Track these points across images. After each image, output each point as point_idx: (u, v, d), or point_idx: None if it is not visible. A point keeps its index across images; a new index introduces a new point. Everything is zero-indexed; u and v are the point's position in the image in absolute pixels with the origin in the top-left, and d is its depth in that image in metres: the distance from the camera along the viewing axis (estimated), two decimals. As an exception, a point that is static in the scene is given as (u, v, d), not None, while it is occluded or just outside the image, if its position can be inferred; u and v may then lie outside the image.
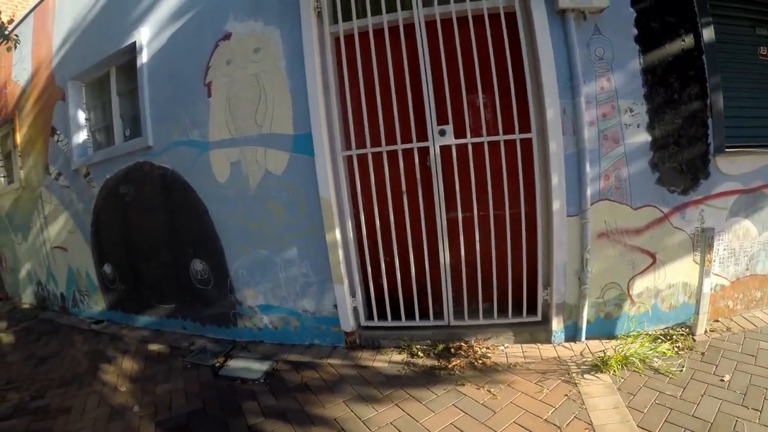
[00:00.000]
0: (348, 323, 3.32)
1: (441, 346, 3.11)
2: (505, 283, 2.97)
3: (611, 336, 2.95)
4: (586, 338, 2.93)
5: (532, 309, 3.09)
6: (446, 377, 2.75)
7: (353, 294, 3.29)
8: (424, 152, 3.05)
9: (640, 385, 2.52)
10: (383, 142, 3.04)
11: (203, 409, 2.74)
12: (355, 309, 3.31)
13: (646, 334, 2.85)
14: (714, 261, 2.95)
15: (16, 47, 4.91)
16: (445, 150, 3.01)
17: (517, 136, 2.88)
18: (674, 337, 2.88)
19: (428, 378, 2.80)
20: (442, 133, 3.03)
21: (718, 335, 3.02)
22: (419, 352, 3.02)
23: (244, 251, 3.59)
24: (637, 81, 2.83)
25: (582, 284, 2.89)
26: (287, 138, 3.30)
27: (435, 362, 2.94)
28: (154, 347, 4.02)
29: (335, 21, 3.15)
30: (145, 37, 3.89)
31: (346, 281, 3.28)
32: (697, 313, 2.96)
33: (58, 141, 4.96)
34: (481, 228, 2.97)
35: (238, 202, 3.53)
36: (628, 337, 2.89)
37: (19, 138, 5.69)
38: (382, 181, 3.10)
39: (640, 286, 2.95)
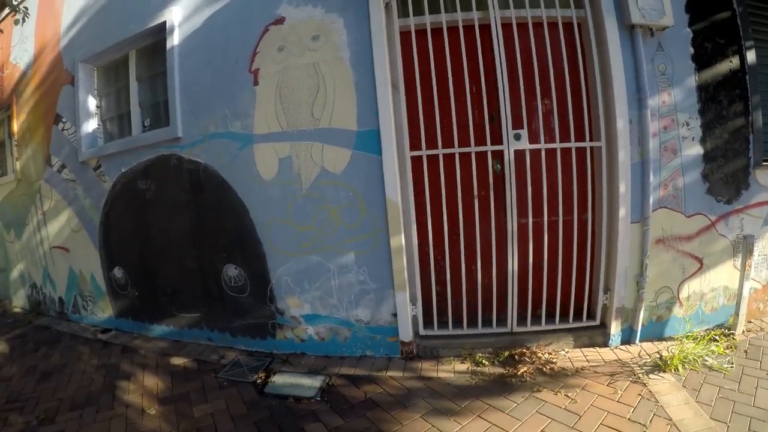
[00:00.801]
0: (407, 332, 2.71)
1: (506, 353, 2.61)
2: (568, 289, 2.63)
3: (661, 338, 2.72)
4: (640, 341, 2.66)
5: (591, 314, 2.71)
6: (518, 384, 2.39)
7: (413, 302, 2.73)
8: (495, 156, 2.56)
9: (701, 382, 2.38)
10: (456, 143, 2.53)
11: (259, 435, 2.19)
12: (414, 317, 2.74)
13: (693, 336, 2.63)
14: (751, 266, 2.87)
15: (24, 21, 3.80)
16: (518, 154, 2.57)
17: (587, 144, 2.54)
18: (717, 337, 2.70)
19: (501, 386, 2.40)
20: (517, 137, 2.55)
21: (754, 334, 2.90)
22: (483, 360, 2.55)
23: (291, 257, 2.84)
24: (693, 97, 2.63)
25: (640, 288, 2.61)
26: (349, 134, 2.64)
27: (502, 370, 2.50)
28: (177, 361, 3.11)
29: (404, 15, 2.62)
30: (177, 16, 3.05)
31: (408, 288, 2.67)
32: (736, 314, 2.80)
33: (63, 129, 3.84)
34: (549, 234, 2.58)
35: (287, 203, 2.79)
36: (677, 338, 2.66)
37: (16, 126, 4.43)
38: (453, 183, 2.57)
39: (688, 289, 2.75)
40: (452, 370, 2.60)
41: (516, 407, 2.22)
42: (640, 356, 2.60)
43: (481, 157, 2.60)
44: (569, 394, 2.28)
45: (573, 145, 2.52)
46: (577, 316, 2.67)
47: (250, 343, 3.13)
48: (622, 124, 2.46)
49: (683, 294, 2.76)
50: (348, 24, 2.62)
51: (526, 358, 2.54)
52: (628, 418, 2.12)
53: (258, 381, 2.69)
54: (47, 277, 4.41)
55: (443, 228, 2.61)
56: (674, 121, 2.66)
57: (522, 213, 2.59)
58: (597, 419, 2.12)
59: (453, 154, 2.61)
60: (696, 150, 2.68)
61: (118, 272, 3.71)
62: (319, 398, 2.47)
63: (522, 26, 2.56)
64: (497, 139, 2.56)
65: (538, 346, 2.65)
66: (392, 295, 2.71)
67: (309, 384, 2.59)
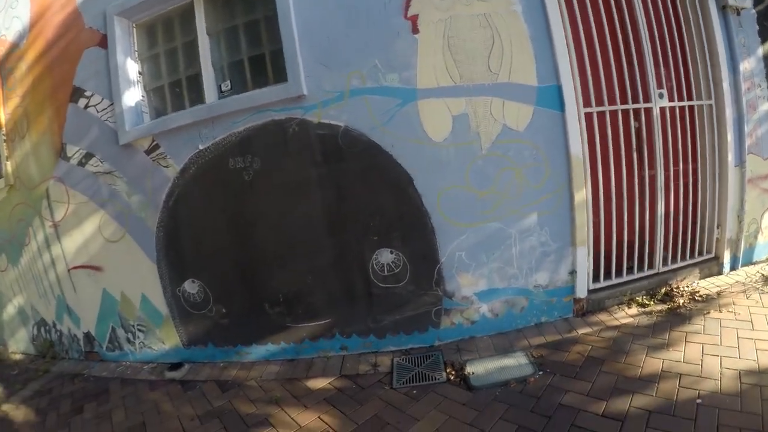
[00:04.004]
0: (583, 288, 1.68)
1: (663, 290, 1.82)
2: (695, 228, 2.01)
3: (752, 262, 2.16)
4: (741, 266, 2.09)
5: (708, 248, 2.04)
6: (688, 313, 1.73)
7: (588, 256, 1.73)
8: (645, 113, 1.76)
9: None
10: (618, 100, 1.69)
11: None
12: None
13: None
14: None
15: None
16: (661, 111, 1.78)
17: (703, 102, 1.94)
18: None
19: (678, 317, 1.72)
20: (661, 95, 1.83)
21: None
22: (646, 301, 1.78)
23: (467, 228, 1.56)
24: (761, 64, 2.14)
25: (740, 221, 2.06)
26: (530, 89, 1.54)
27: (665, 306, 1.76)
28: (317, 384, 1.52)
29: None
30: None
31: (587, 243, 1.65)
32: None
33: (88, 107, 1.82)
34: (675, 182, 1.90)
35: (464, 166, 1.53)
36: (765, 260, 2.17)
37: (4, 115, 2.06)
38: (617, 139, 1.71)
39: (766, 219, 2.21)
40: (627, 315, 1.74)
41: (704, 328, 1.60)
42: (748, 276, 2.05)
43: (635, 114, 1.75)
44: (729, 310, 1.72)
45: (695, 103, 1.93)
46: (698, 251, 2.08)
47: (404, 340, 1.65)
48: (726, 85, 1.97)
49: (764, 223, 2.26)
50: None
51: (675, 292, 1.85)
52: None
53: (451, 378, 1.39)
54: (64, 308, 2.10)
55: (610, 181, 1.74)
56: (753, 83, 2.15)
57: (665, 165, 1.86)
58: (763, 321, 1.58)
59: (616, 111, 1.69)
60: (766, 106, 2.18)
61: (191, 287, 1.77)
62: (540, 372, 1.43)
63: None
64: (646, 97, 1.79)
65: (677, 281, 1.88)
66: (571, 252, 1.65)
67: (515, 363, 1.48)
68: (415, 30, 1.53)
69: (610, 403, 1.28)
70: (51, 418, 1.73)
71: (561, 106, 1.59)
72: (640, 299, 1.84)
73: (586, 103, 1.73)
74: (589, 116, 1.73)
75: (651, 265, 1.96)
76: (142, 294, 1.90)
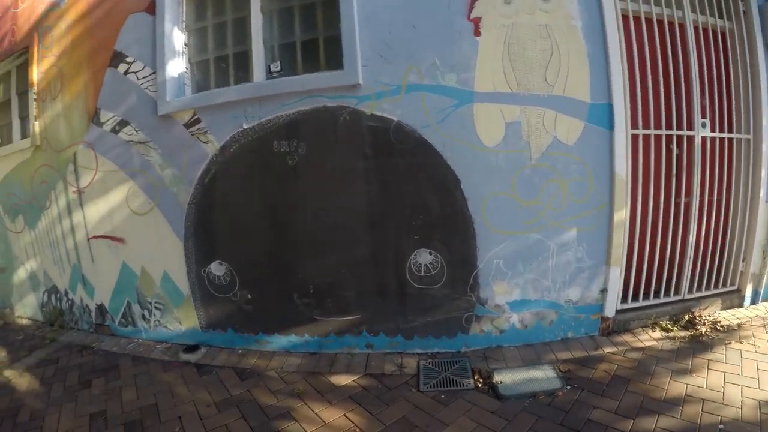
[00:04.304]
0: (612, 308, 1.68)
1: (685, 318, 1.82)
2: (722, 259, 2.01)
3: None
4: (761, 300, 2.07)
5: (732, 280, 2.04)
6: (710, 341, 1.75)
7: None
8: (688, 141, 1.77)
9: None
10: (663, 125, 1.70)
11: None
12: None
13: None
14: None
15: None
16: (702, 141, 1.80)
17: (742, 136, 1.94)
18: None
19: (700, 344, 1.73)
20: (704, 125, 1.85)
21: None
22: (669, 326, 1.80)
23: (508, 236, 1.53)
24: None
25: (765, 256, 2.03)
26: (582, 105, 1.52)
27: (688, 332, 1.77)
28: (341, 380, 1.48)
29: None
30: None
31: (621, 263, 1.65)
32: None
33: (128, 73, 1.75)
34: (714, 212, 1.92)
35: (512, 174, 1.50)
36: None
37: (37, 74, 1.99)
38: (658, 163, 1.71)
39: None
40: (651, 338, 1.75)
41: (726, 357, 1.63)
42: (768, 311, 2.10)
43: (678, 140, 1.76)
44: (750, 343, 1.74)
45: (734, 135, 1.94)
46: (722, 282, 2.07)
47: (432, 343, 1.61)
48: (765, 121, 1.94)
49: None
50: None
51: (697, 320, 1.87)
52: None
53: (479, 385, 1.38)
54: (79, 278, 2.02)
55: (647, 204, 1.74)
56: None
57: (700, 193, 1.88)
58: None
59: (660, 136, 1.70)
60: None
61: (217, 268, 1.71)
62: (568, 387, 1.41)
63: (695, 29, 1.77)
64: (690, 125, 1.79)
65: (699, 310, 1.88)
66: (604, 271, 1.64)
67: (543, 376, 1.47)
68: (477, 33, 1.50)
69: (636, 422, 1.28)
70: (56, 390, 1.65)
71: (610, 124, 1.58)
72: (663, 324, 1.84)
73: (633, 125, 1.72)
74: (635, 138, 1.73)
75: (677, 291, 1.95)
76: (164, 271, 1.82)
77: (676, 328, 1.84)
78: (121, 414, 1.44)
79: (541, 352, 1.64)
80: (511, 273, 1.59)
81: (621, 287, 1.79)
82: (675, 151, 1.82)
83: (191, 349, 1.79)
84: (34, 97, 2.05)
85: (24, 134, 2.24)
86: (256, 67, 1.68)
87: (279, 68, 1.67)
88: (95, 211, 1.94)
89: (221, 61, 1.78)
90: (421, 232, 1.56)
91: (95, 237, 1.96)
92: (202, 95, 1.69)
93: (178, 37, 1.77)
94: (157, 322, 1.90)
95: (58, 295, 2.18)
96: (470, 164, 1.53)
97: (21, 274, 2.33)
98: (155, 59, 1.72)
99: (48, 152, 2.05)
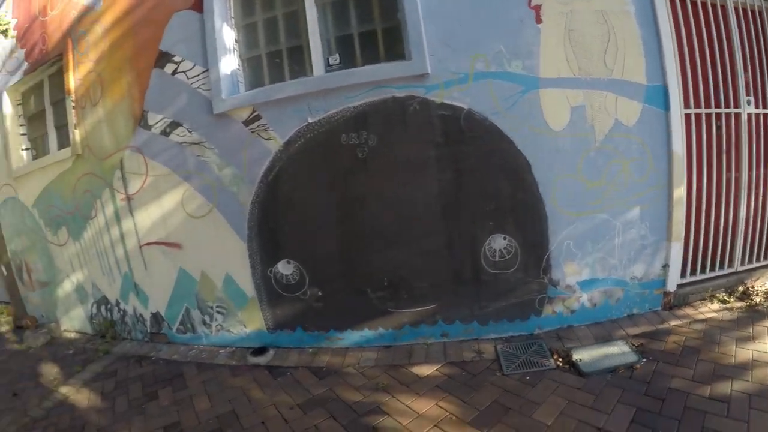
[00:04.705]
0: (674, 283, 1.72)
1: (740, 289, 1.88)
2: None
3: None
4: None
5: None
6: (765, 310, 1.77)
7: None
8: (729, 117, 1.80)
9: None
10: (712, 104, 1.75)
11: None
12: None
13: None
14: None
15: None
16: (748, 117, 1.84)
17: None
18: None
19: (758, 313, 1.76)
20: (749, 102, 1.90)
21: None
22: (726, 298, 1.85)
23: (576, 217, 1.56)
24: None
25: None
26: (639, 87, 1.56)
27: (744, 303, 1.82)
28: (422, 371, 1.48)
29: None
30: None
31: (681, 238, 1.70)
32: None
33: (176, 72, 1.69)
34: (763, 185, 1.92)
35: (578, 157, 1.53)
36: None
37: (74, 81, 1.90)
38: (710, 141, 1.76)
39: None
40: (710, 310, 1.80)
41: None
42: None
43: (726, 117, 1.79)
44: None
45: None
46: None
47: (506, 327, 1.63)
48: None
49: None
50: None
51: (751, 291, 1.93)
52: None
53: (559, 364, 1.41)
54: (131, 287, 1.97)
55: (701, 180, 1.79)
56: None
57: (748, 168, 1.90)
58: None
59: (710, 114, 1.75)
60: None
61: (285, 268, 1.67)
62: (644, 360, 1.45)
63: (735, 10, 1.81)
64: (736, 103, 1.83)
65: (751, 281, 1.94)
66: (665, 247, 1.69)
67: (618, 351, 1.50)
68: (538, 20, 1.50)
69: (713, 387, 1.32)
70: (120, 404, 1.58)
71: (666, 105, 1.61)
72: (719, 296, 1.89)
73: (686, 105, 1.75)
74: (687, 117, 1.75)
75: (730, 264, 1.99)
76: (227, 274, 1.76)
77: (732, 300, 1.89)
78: (197, 425, 1.38)
79: (611, 329, 1.67)
80: (581, 253, 1.61)
81: (680, 262, 1.82)
82: (716, 125, 1.81)
83: (259, 351, 1.73)
84: (72, 104, 1.95)
85: (61, 144, 2.13)
86: (315, 61, 1.64)
87: (338, 61, 1.62)
88: (147, 217, 1.86)
89: (274, 56, 1.72)
90: (495, 217, 1.56)
91: (148, 244, 1.88)
92: (261, 91, 1.64)
93: (228, 34, 1.70)
94: (219, 326, 1.84)
95: (109, 306, 2.10)
96: (539, 148, 1.54)
97: (66, 287, 2.23)
98: (206, 57, 1.65)
99: (91, 160, 1.96)
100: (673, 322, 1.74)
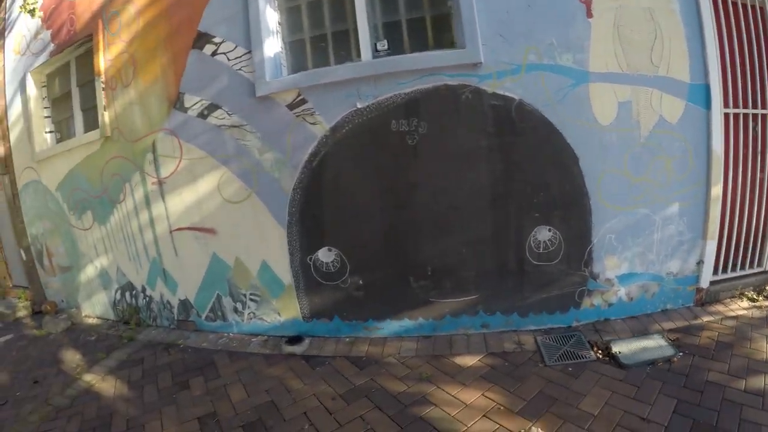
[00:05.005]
0: (707, 280, 1.76)
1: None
2: None
3: None
4: None
5: None
6: None
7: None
8: (766, 118, 1.80)
9: None
10: (750, 104, 1.77)
11: None
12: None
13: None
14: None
15: None
16: None
17: None
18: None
19: None
20: None
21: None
22: (755, 296, 1.89)
23: (619, 211, 1.59)
24: None
25: None
26: (683, 85, 1.60)
27: None
28: (464, 361, 1.50)
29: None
30: None
31: (717, 236, 1.74)
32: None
33: (216, 54, 1.66)
34: None
35: (623, 152, 1.56)
36: None
37: (104, 61, 1.86)
38: (746, 141, 1.79)
39: None
40: (740, 307, 1.85)
41: None
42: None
43: (763, 118, 1.81)
44: None
45: None
46: None
47: (545, 319, 1.65)
48: None
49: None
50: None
51: None
52: None
53: (599, 356, 1.45)
54: (159, 273, 1.93)
55: (737, 180, 1.82)
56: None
57: None
58: None
59: (747, 114, 1.79)
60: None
61: (325, 255, 1.67)
62: (680, 353, 1.50)
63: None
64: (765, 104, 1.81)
65: None
66: (701, 244, 1.73)
67: (655, 344, 1.55)
68: (589, 14, 1.52)
69: (748, 380, 1.36)
70: (149, 393, 1.55)
71: (707, 104, 1.65)
72: (748, 294, 1.94)
73: (725, 104, 1.79)
74: (726, 116, 1.79)
75: (760, 263, 2.04)
76: (263, 261, 1.74)
77: (760, 298, 1.93)
78: (234, 415, 1.36)
79: (647, 323, 1.71)
80: (621, 247, 1.64)
81: (713, 259, 1.85)
82: (752, 126, 1.85)
83: (294, 340, 1.72)
84: (102, 86, 1.90)
85: (88, 127, 2.08)
86: (363, 46, 1.62)
87: (386, 47, 1.62)
88: (179, 201, 1.83)
89: (319, 40, 1.70)
90: (541, 209, 1.58)
91: (179, 229, 1.85)
92: (307, 74, 1.62)
93: (271, 16, 1.67)
94: (252, 314, 1.82)
95: (134, 292, 2.06)
96: (587, 142, 1.56)
97: (89, 272, 2.18)
98: (249, 38, 1.62)
99: (120, 143, 1.91)
100: (706, 318, 1.79)
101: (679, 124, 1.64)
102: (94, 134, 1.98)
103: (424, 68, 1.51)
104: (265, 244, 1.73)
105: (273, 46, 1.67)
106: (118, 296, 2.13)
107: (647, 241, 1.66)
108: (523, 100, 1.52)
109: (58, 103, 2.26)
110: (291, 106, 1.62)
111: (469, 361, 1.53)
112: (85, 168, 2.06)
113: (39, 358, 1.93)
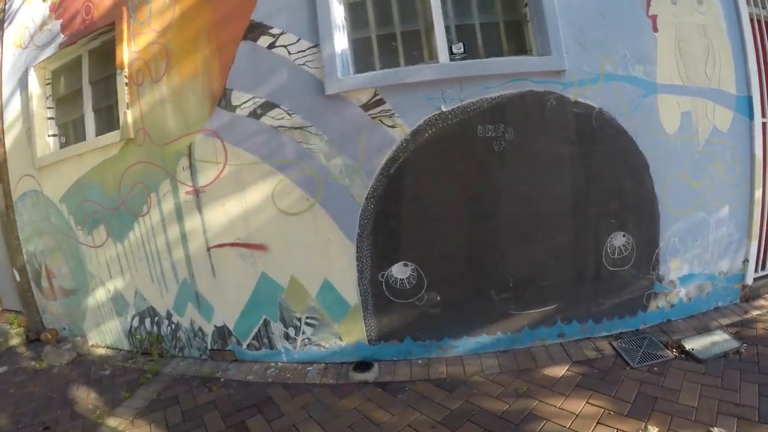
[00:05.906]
0: (751, 277, 1.95)
1: None
2: None
3: None
4: None
5: None
6: None
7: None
8: None
9: None
10: None
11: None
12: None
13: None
14: None
15: None
16: None
17: None
18: None
19: None
20: None
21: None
22: None
23: (681, 215, 1.71)
24: None
25: None
26: (730, 97, 1.80)
27: None
28: (554, 372, 1.50)
29: (754, 4, 1.94)
30: None
31: (759, 236, 1.94)
32: None
33: (273, 46, 1.50)
34: None
35: (685, 158, 1.68)
36: None
37: (128, 53, 1.58)
38: None
39: None
40: None
41: None
42: None
43: None
44: None
45: None
46: None
47: (616, 324, 1.70)
48: None
49: None
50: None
51: None
52: None
53: (675, 354, 1.55)
54: (191, 296, 1.69)
55: None
56: None
57: None
58: None
59: None
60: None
61: (400, 271, 1.56)
62: (745, 345, 1.64)
63: None
64: None
65: None
66: (746, 243, 1.91)
67: (721, 339, 1.71)
68: (655, 29, 1.65)
69: None
70: None
71: (750, 114, 1.86)
72: None
73: (763, 114, 2.03)
74: (764, 125, 2.03)
75: None
76: (324, 279, 1.59)
77: None
78: None
79: (705, 321, 1.85)
80: (683, 249, 1.76)
81: (755, 257, 2.04)
82: None
83: (362, 366, 1.58)
84: (125, 81, 1.64)
85: (100, 129, 1.80)
86: (440, 47, 1.57)
87: (462, 50, 1.59)
88: (221, 213, 1.61)
89: (387, 39, 1.62)
90: (617, 215, 1.64)
91: (220, 245, 1.63)
92: (387, 73, 1.53)
93: (337, 9, 1.57)
94: (306, 340, 1.65)
95: (156, 319, 1.80)
96: (655, 150, 1.66)
97: (99, 295, 1.88)
98: (316, 31, 1.51)
99: (146, 146, 1.67)
100: (755, 313, 1.96)
101: (728, 133, 1.82)
102: (112, 136, 1.71)
103: (510, 73, 1.51)
104: (328, 261, 1.58)
105: (340, 41, 1.57)
106: (136, 323, 1.85)
107: (704, 243, 1.81)
108: (602, 108, 1.58)
109: (64, 103, 1.96)
110: (366, 107, 1.53)
111: (558, 371, 1.51)
112: (98, 176, 1.77)
113: (45, 397, 1.60)
